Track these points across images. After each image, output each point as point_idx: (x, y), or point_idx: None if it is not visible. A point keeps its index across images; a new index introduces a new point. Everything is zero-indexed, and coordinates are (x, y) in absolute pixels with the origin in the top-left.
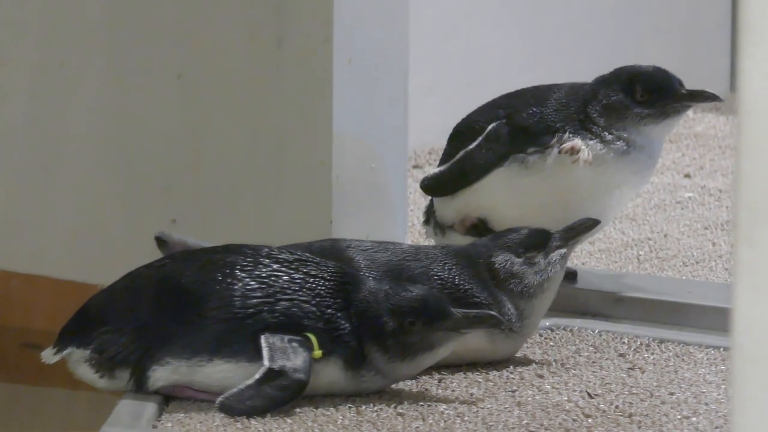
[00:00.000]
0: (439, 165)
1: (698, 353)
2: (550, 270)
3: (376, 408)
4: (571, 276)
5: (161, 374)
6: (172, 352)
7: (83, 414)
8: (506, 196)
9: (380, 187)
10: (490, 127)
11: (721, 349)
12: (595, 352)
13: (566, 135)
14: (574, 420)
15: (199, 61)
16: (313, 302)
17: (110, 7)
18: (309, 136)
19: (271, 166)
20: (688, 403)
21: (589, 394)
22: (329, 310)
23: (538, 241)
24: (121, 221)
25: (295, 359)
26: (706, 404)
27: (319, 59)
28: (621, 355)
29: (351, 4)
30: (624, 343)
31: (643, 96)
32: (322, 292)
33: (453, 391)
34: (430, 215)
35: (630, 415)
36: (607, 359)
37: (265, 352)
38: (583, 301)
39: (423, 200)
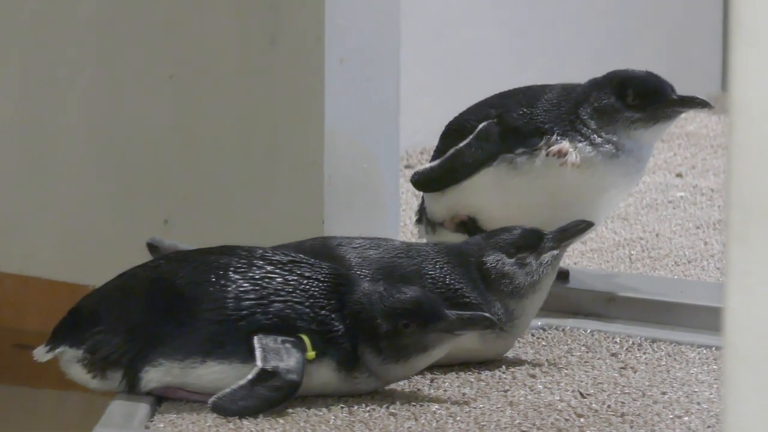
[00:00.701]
0: (431, 162)
1: (690, 353)
2: (542, 271)
3: (368, 408)
4: (563, 276)
5: (154, 375)
6: (165, 354)
7: (75, 415)
8: (495, 195)
9: (372, 187)
10: (480, 126)
11: (713, 349)
12: (587, 352)
13: (554, 137)
14: (567, 420)
15: (191, 61)
16: (307, 303)
17: (102, 7)
18: (301, 136)
19: (264, 166)
20: (680, 402)
21: (581, 394)
22: (323, 312)
23: (530, 242)
24: (113, 222)
25: (288, 360)
26: (698, 403)
27: (311, 59)
28: (613, 354)
29: (343, 4)
30: (616, 342)
31: (634, 100)
32: (315, 293)
33: (445, 391)
34: (422, 214)
35: (622, 415)
36: (599, 359)
37: (258, 353)
38: (575, 301)
39: (415, 200)
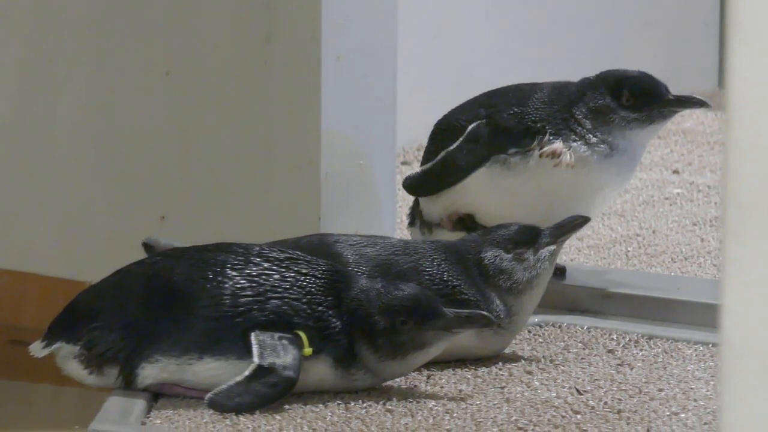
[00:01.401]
0: (422, 163)
1: (687, 349)
2: (539, 266)
3: (365, 405)
4: (559, 272)
5: (150, 372)
6: (162, 350)
7: (72, 410)
8: (489, 196)
9: (369, 184)
10: (470, 127)
11: (710, 346)
12: (583, 349)
13: (547, 137)
14: (563, 416)
15: (187, 58)
16: (304, 300)
17: (98, 4)
18: (297, 133)
19: (260, 163)
20: (676, 399)
21: (578, 391)
22: (320, 308)
23: (527, 238)
24: (109, 218)
25: (284, 356)
26: (695, 400)
27: (307, 56)
28: (610, 351)
29: (339, 2)
30: (613, 339)
31: (629, 100)
32: (313, 290)
33: (442, 387)
34: (415, 216)
35: (619, 412)
36: (595, 355)
37: (254, 350)
38: (571, 298)
39: (411, 197)
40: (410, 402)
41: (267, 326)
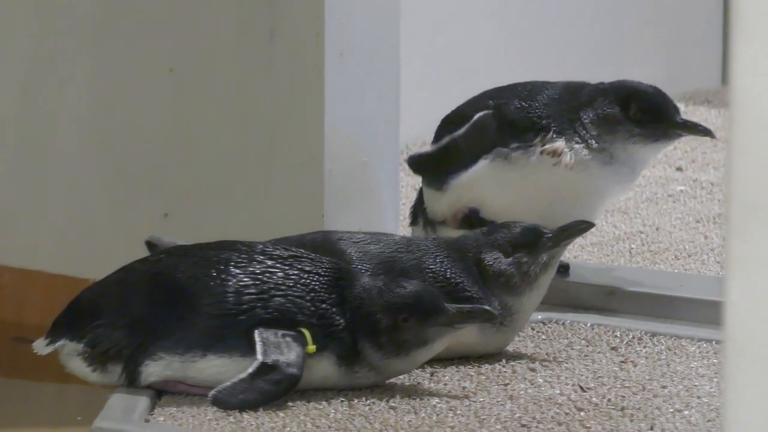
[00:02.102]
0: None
1: (690, 346)
2: (539, 269)
3: (368, 402)
4: (563, 269)
5: (154, 369)
6: (166, 347)
7: (75, 408)
8: (492, 189)
9: (372, 181)
10: (477, 116)
11: (714, 343)
12: (587, 346)
13: (551, 134)
14: (567, 413)
15: (190, 55)
16: (308, 298)
17: (101, 2)
18: (300, 130)
19: (263, 160)
20: (680, 396)
21: (581, 388)
22: (323, 306)
23: (528, 240)
24: (113, 216)
25: (288, 354)
26: (699, 397)
27: (310, 53)
28: (613, 348)
29: None
30: (616, 336)
31: (636, 114)
32: (316, 287)
33: (445, 384)
34: (417, 214)
35: (622, 409)
36: (599, 352)
37: (258, 347)
38: (575, 295)
39: (414, 194)
40: (414, 399)
41: (270, 324)
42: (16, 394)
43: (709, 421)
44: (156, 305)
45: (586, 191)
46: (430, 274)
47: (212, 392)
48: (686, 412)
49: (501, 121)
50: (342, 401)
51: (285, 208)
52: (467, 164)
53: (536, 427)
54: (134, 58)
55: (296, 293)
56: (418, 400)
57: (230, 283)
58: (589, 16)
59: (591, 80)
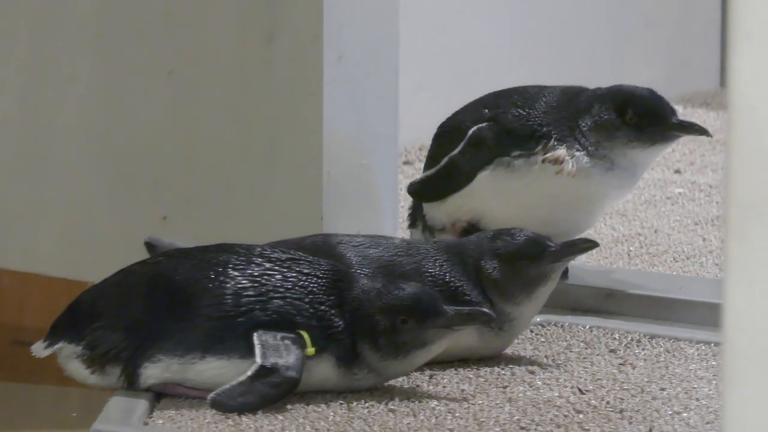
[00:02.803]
0: (425, 167)
1: (689, 349)
2: (539, 282)
3: (367, 404)
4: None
5: (153, 372)
6: (164, 350)
7: (74, 411)
8: (494, 198)
9: (371, 184)
10: (471, 131)
11: (712, 345)
12: (586, 348)
13: (552, 142)
14: (565, 416)
15: (189, 58)
16: (306, 300)
17: (101, 3)
18: (299, 133)
19: (262, 163)
20: (679, 398)
21: (580, 390)
22: (322, 308)
23: (531, 252)
24: (112, 218)
25: (287, 357)
26: (697, 400)
27: (309, 55)
28: (612, 350)
29: (341, 1)
30: (615, 338)
31: (633, 119)
32: (315, 289)
33: (444, 387)
34: (416, 218)
35: (621, 411)
36: (598, 355)
37: (257, 350)
38: (574, 297)
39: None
40: (413, 402)
41: (270, 326)
42: (15, 398)
43: (708, 423)
44: (155, 307)
45: (588, 197)
46: (430, 278)
47: (211, 395)
48: (685, 415)
49: (499, 130)
50: (341, 404)
51: (284, 211)
52: (467, 180)
53: (535, 429)
54: (134, 60)
55: (295, 295)
56: (416, 402)
57: (229, 285)
58: (588, 17)
59: (591, 82)
